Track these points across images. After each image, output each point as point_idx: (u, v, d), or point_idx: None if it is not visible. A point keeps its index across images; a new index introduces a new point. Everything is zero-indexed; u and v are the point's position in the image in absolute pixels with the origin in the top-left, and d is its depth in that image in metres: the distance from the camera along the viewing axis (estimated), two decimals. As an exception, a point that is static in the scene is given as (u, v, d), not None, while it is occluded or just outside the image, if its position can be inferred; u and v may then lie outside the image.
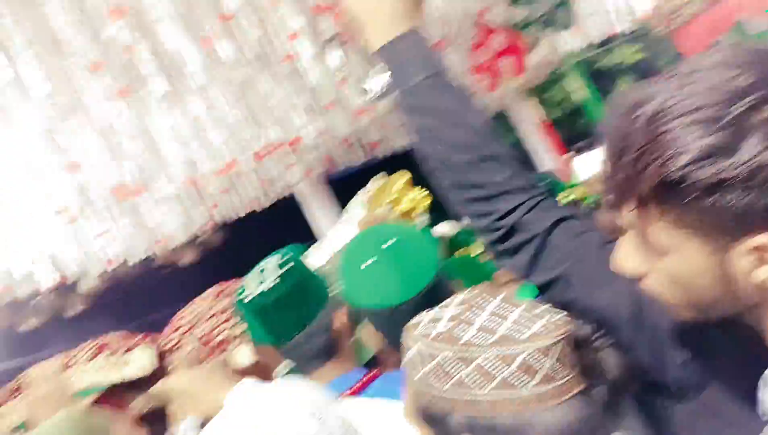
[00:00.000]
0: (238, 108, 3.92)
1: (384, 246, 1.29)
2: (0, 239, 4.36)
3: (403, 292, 1.19)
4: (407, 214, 2.30)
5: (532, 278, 1.11)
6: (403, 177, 2.44)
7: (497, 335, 0.80)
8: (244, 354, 1.92)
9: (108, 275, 7.43)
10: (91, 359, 1.97)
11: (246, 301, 1.50)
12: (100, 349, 2.02)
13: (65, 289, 7.74)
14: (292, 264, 1.53)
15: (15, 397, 1.99)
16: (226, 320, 2.04)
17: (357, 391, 1.38)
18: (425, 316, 0.89)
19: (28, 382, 1.95)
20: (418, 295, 1.20)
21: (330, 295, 1.58)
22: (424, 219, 2.37)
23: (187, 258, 9.09)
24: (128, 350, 2.03)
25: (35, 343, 8.72)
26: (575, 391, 0.81)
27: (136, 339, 2.15)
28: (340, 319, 1.56)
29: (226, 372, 1.56)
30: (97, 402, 1.91)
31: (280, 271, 1.50)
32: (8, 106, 3.42)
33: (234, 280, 2.41)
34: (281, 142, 5.00)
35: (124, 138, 3.75)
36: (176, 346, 2.12)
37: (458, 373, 0.80)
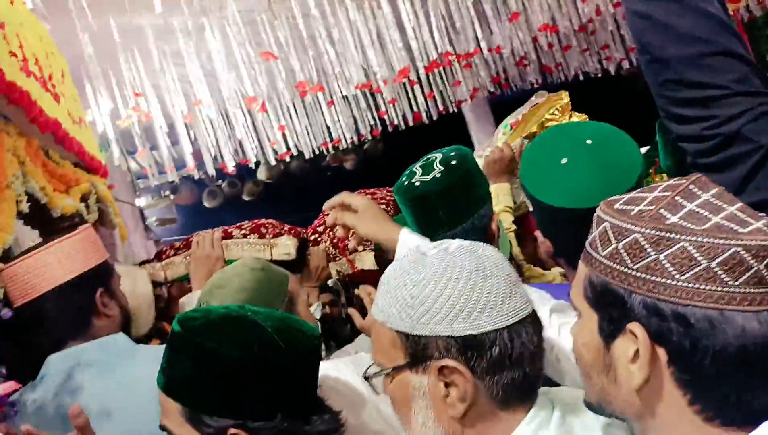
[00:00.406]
0: (420, 15, 3.91)
1: (588, 142, 1.13)
2: (195, 123, 4.91)
3: (604, 193, 1.05)
4: None
5: (742, 198, 1.01)
6: (562, 98, 2.24)
7: (708, 224, 0.69)
8: (368, 260, 2.05)
9: (282, 167, 8.17)
10: (245, 236, 2.14)
11: (407, 187, 1.46)
12: (253, 230, 2.16)
13: (246, 174, 8.66)
14: (459, 160, 1.47)
15: (180, 252, 2.19)
16: None
17: None
18: (623, 196, 0.79)
19: (193, 243, 2.15)
20: (640, 176, 1.07)
21: (488, 194, 1.53)
22: None
23: (351, 162, 9.64)
24: (276, 236, 2.14)
25: (215, 219, 9.92)
26: None
27: (285, 228, 2.25)
28: (496, 223, 1.52)
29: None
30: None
31: (447, 164, 1.45)
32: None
33: (383, 188, 2.51)
34: (457, 54, 4.97)
35: (312, 37, 3.94)
36: (316, 241, 2.28)
37: (656, 253, 0.70)
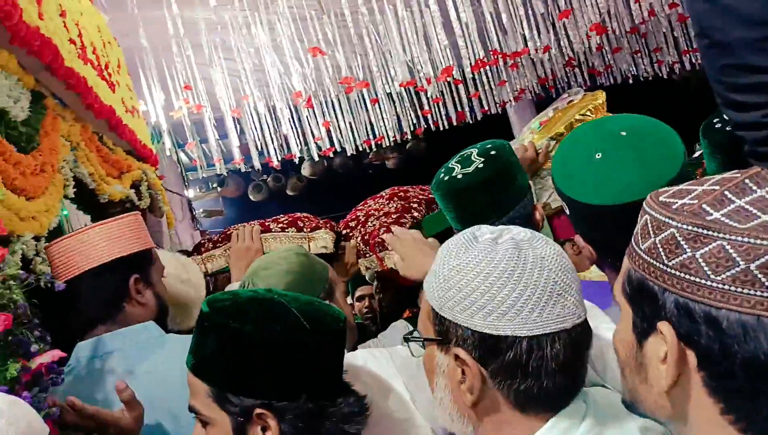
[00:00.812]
0: (467, 14, 3.89)
1: (622, 133, 1.07)
2: (243, 116, 5.02)
3: (645, 184, 0.96)
4: None
5: None
6: (597, 98, 2.13)
7: (753, 223, 0.64)
8: (397, 259, 2.02)
9: (325, 164, 8.27)
10: (283, 230, 2.17)
11: (449, 181, 1.45)
12: (291, 224, 2.20)
13: (290, 169, 8.81)
14: (497, 150, 1.47)
15: (219, 245, 2.21)
16: (394, 222, 2.11)
17: None
18: (672, 188, 0.75)
19: (232, 235, 2.17)
20: (683, 165, 1.00)
21: (529, 187, 1.53)
22: None
23: (394, 161, 9.67)
24: (313, 229, 2.18)
25: (260, 212, 10.13)
26: None
27: (320, 221, 2.28)
28: (540, 211, 1.52)
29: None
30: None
31: (486, 155, 1.45)
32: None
33: (417, 186, 2.45)
34: (504, 54, 4.93)
35: (359, 32, 3.97)
36: (348, 236, 2.29)
37: (692, 250, 0.66)
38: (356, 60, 4.41)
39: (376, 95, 5.17)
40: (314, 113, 5.12)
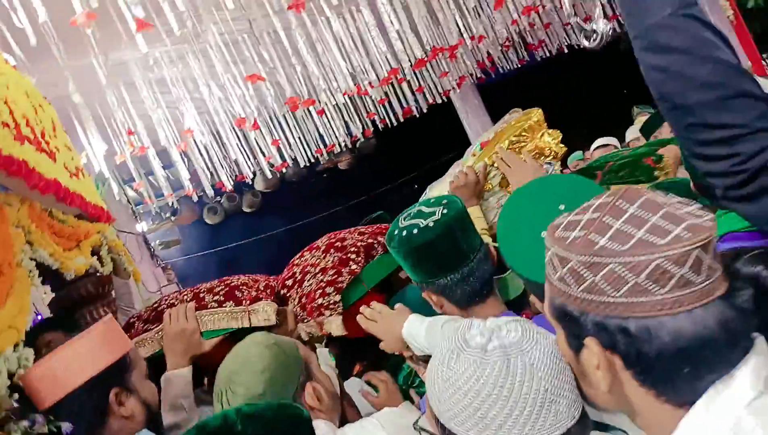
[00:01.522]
0: (401, 18, 3.88)
1: (561, 207, 1.13)
2: (190, 148, 4.90)
3: None
4: (536, 155, 2.06)
5: None
6: (531, 117, 2.11)
7: (631, 243, 0.77)
8: (335, 325, 1.94)
9: (278, 176, 8.16)
10: (220, 304, 2.00)
11: (405, 236, 1.49)
12: (228, 296, 2.03)
13: (244, 186, 8.66)
14: (449, 200, 1.53)
15: (151, 328, 2.02)
16: (329, 283, 2.02)
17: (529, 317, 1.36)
18: (565, 218, 0.86)
19: (164, 316, 1.98)
20: None
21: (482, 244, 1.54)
22: (553, 167, 2.08)
23: (346, 162, 9.62)
24: (253, 301, 2.03)
25: (218, 234, 9.96)
26: (713, 296, 0.76)
27: (260, 286, 2.14)
28: (492, 251, 1.55)
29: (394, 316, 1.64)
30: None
31: (440, 204, 1.51)
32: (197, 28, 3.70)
33: (344, 230, 2.34)
34: (441, 48, 4.94)
35: (296, 51, 3.91)
36: (286, 297, 2.14)
37: (592, 276, 0.79)
38: (297, 77, 4.34)
39: (322, 106, 5.13)
40: (262, 133, 5.04)
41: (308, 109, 5.21)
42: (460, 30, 4.89)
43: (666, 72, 1.02)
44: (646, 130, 3.43)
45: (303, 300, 2.05)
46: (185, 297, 2.05)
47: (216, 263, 9.51)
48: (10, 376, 1.24)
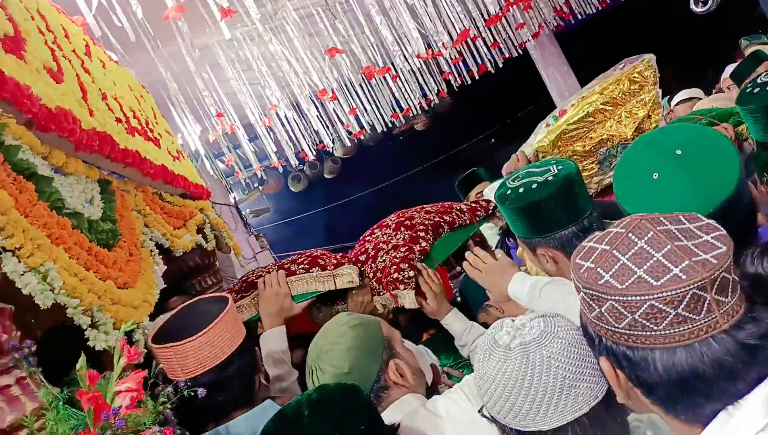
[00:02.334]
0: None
1: (678, 152, 1.12)
2: (274, 121, 5.11)
3: (699, 203, 1.04)
4: (599, 143, 1.97)
5: None
6: (648, 67, 1.98)
7: (628, 282, 0.83)
8: (409, 299, 2.00)
9: (356, 141, 8.33)
10: (307, 271, 2.13)
11: (519, 192, 1.53)
12: (312, 264, 2.15)
13: (325, 155, 8.91)
14: (560, 163, 1.56)
15: (246, 295, 2.15)
16: (403, 259, 2.09)
17: None
18: (590, 241, 0.92)
19: (258, 283, 2.11)
20: (716, 209, 1.05)
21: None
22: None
23: (422, 123, 9.62)
24: (336, 266, 2.14)
25: (303, 201, 10.34)
26: (714, 331, 0.79)
27: (338, 256, 2.24)
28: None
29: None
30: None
31: (556, 165, 1.54)
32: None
33: (411, 209, 2.40)
34: (516, 0, 4.81)
35: (369, 19, 3.96)
36: (362, 272, 2.19)
37: (598, 307, 0.86)
38: (371, 45, 4.39)
39: (396, 71, 5.16)
40: (339, 102, 5.16)
41: (383, 76, 5.26)
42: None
43: None
44: (737, 76, 3.23)
45: (378, 275, 2.14)
46: (272, 269, 2.18)
47: (303, 228, 9.89)
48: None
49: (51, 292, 1.14)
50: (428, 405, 1.39)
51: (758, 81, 1.45)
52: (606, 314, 0.85)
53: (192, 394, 1.20)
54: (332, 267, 2.17)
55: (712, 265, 0.80)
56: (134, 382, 1.05)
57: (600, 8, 7.22)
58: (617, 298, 0.83)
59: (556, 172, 1.51)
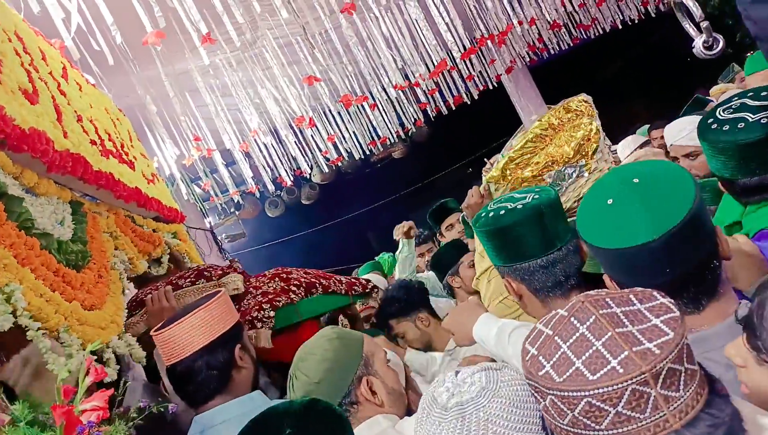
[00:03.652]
0: (449, 8, 3.93)
1: (635, 180, 1.11)
2: (251, 147, 5.14)
3: (649, 229, 1.03)
4: (546, 165, 1.98)
5: None
6: (555, 113, 1.97)
7: (566, 375, 0.75)
8: (264, 338, 2.08)
9: (334, 168, 8.38)
10: (193, 283, 2.23)
11: (492, 217, 1.49)
12: (198, 276, 2.26)
13: (302, 181, 8.93)
14: (541, 189, 1.53)
15: (135, 313, 2.18)
16: (266, 301, 2.18)
17: None
18: (542, 321, 0.86)
19: (146, 300, 2.14)
20: (667, 234, 1.02)
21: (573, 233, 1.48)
22: (577, 169, 2.02)
23: (400, 151, 9.72)
24: (221, 276, 2.24)
25: (280, 226, 10.31)
26: (664, 431, 0.71)
27: (224, 268, 2.37)
28: (585, 247, 1.45)
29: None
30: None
31: (532, 196, 1.50)
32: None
33: (296, 268, 2.51)
34: (490, 36, 4.96)
35: (347, 49, 4.04)
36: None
37: (542, 399, 0.80)
38: (349, 74, 4.47)
39: (374, 100, 5.25)
40: (318, 129, 5.22)
41: (361, 104, 5.34)
42: (508, 16, 4.89)
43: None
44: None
45: (242, 310, 2.19)
46: (161, 285, 2.23)
47: (280, 254, 9.85)
48: (119, 359, 1.45)
49: (11, 315, 1.13)
50: (397, 426, 1.41)
51: (719, 116, 1.50)
52: (550, 408, 0.78)
53: (162, 410, 1.20)
54: (217, 277, 2.27)
55: (653, 357, 0.72)
56: (100, 400, 1.04)
57: (572, 44, 7.46)
58: (555, 392, 0.76)
59: (530, 200, 1.48)
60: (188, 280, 2.24)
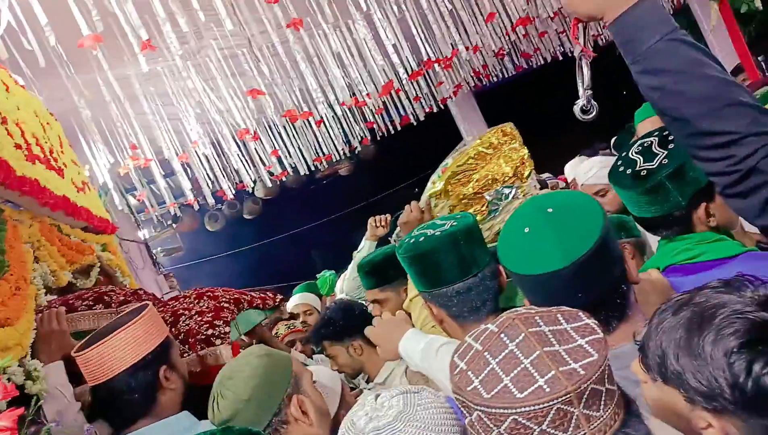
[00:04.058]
0: (397, 31, 3.99)
1: (549, 210, 1.19)
2: (191, 158, 5.02)
3: (559, 257, 1.10)
4: (487, 183, 2.02)
5: (759, 221, 1.15)
6: (493, 135, 2.02)
7: (494, 391, 0.76)
8: (226, 353, 2.02)
9: (278, 183, 8.27)
10: (90, 307, 2.14)
11: (411, 242, 1.51)
12: (97, 300, 2.17)
13: (245, 195, 8.76)
14: (464, 215, 1.56)
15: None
16: (214, 317, 2.14)
17: None
18: (471, 336, 0.86)
19: (36, 322, 1.91)
20: (576, 262, 1.10)
21: (490, 258, 1.51)
22: (514, 190, 2.05)
23: (346, 169, 9.72)
24: (121, 304, 2.15)
25: (219, 241, 10.06)
26: None
27: (128, 293, 2.29)
28: (504, 274, 1.51)
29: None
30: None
31: (451, 223, 1.52)
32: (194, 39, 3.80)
33: (217, 288, 2.51)
34: (436, 59, 5.05)
35: (294, 64, 4.02)
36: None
37: (468, 415, 0.80)
38: (295, 89, 4.45)
39: (321, 116, 5.23)
40: (262, 143, 5.14)
41: (307, 119, 5.32)
42: (454, 42, 5.00)
43: (662, 90, 1.12)
44: (617, 147, 3.54)
45: (182, 337, 2.11)
46: (54, 304, 2.11)
47: (219, 269, 9.61)
48: (20, 387, 1.35)
49: None
50: None
51: (631, 156, 1.57)
52: (476, 424, 0.78)
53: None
54: (117, 304, 2.19)
55: (579, 377, 0.74)
56: (9, 420, 0.97)
57: (515, 72, 7.70)
58: (483, 408, 0.76)
59: (448, 227, 1.51)
60: (85, 302, 2.13)
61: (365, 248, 3.42)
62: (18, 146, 1.99)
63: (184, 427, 1.50)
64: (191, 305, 2.29)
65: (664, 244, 1.59)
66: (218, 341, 2.08)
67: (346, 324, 2.52)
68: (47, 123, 2.78)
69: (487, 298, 1.49)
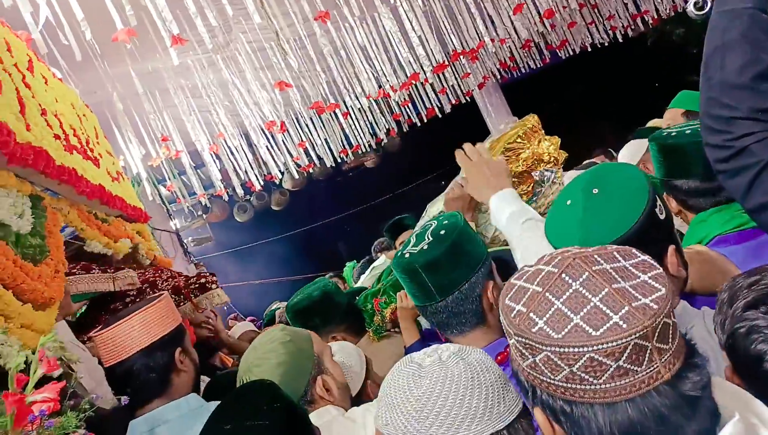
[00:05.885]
0: (422, 23, 4.00)
1: (595, 191, 1.18)
2: (221, 150, 5.12)
3: (582, 240, 1.09)
4: (534, 163, 1.96)
5: (745, 201, 1.19)
6: (525, 124, 2.00)
7: (565, 331, 0.76)
8: (224, 294, 2.24)
9: (305, 175, 8.37)
10: (87, 272, 2.28)
11: (399, 259, 1.46)
12: (88, 267, 2.33)
13: (273, 186, 8.89)
14: (447, 230, 1.46)
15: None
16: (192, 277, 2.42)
17: (505, 359, 1.31)
18: (520, 278, 0.85)
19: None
20: (624, 235, 1.10)
21: (482, 262, 1.45)
22: (554, 174, 2.00)
23: (372, 160, 9.77)
24: (116, 270, 2.35)
25: (248, 232, 10.22)
26: (655, 383, 0.74)
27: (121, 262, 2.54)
28: (490, 289, 1.44)
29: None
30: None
31: (436, 235, 1.45)
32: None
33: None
34: (462, 51, 5.05)
35: (321, 57, 4.07)
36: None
37: (532, 356, 0.79)
38: (321, 82, 4.50)
39: (347, 108, 5.28)
40: (289, 134, 5.22)
41: (334, 111, 5.37)
42: (480, 33, 4.99)
43: (718, 52, 1.19)
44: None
45: (171, 291, 2.26)
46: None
47: (247, 259, 9.76)
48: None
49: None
50: (347, 414, 1.46)
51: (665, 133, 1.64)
52: (540, 365, 0.78)
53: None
54: (113, 270, 2.38)
55: (653, 311, 0.74)
56: (52, 392, 1.04)
57: (542, 64, 7.63)
58: (553, 348, 0.76)
59: (424, 246, 1.46)
60: (80, 267, 2.29)
61: (380, 260, 3.58)
62: (57, 137, 2.08)
63: (193, 408, 1.57)
64: (161, 275, 2.52)
65: (706, 217, 1.59)
66: (213, 286, 2.24)
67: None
68: (83, 115, 2.89)
69: (468, 312, 1.44)
